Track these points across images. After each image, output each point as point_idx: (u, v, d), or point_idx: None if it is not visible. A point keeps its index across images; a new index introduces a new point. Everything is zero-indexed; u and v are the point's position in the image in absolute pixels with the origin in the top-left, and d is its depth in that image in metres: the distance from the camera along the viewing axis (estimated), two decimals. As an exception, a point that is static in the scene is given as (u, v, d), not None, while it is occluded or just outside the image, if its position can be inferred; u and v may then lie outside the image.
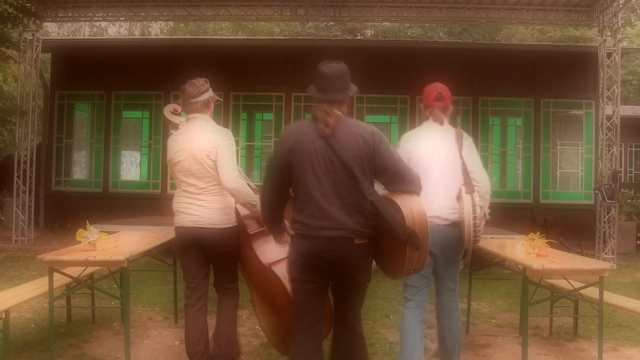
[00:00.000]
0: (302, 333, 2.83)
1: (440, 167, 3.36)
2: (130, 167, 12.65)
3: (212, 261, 3.54)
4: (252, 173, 11.91)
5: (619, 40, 10.16)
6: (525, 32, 23.05)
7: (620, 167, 11.81)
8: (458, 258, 3.50)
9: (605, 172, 9.84)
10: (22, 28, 10.33)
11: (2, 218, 11.28)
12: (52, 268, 3.57)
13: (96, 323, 4.86)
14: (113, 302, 5.11)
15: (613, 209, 9.71)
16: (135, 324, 4.81)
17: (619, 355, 4.31)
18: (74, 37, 24.93)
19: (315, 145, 2.70)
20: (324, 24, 21.71)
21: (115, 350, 4.12)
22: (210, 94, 3.53)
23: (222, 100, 10.80)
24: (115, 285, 4.55)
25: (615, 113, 9.87)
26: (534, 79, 11.73)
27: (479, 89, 11.58)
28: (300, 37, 19.94)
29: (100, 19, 11.86)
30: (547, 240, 3.87)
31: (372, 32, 25.47)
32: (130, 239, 4.52)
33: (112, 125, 11.98)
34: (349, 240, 2.68)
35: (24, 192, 10.24)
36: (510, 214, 10.40)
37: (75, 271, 3.93)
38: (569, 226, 10.92)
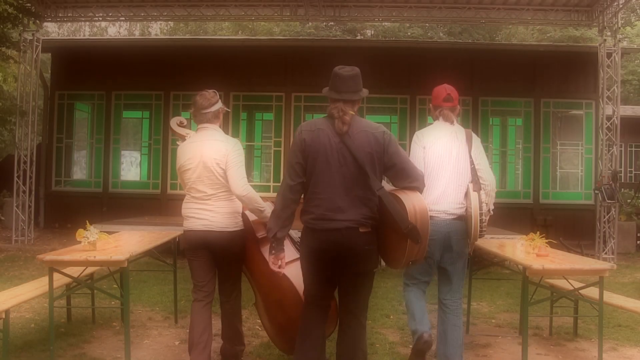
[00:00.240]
0: (310, 310, 3.11)
1: (452, 165, 3.55)
2: (130, 167, 12.65)
3: (218, 263, 3.66)
4: (252, 173, 11.91)
5: (619, 40, 10.16)
6: (525, 32, 23.05)
7: (620, 167, 11.81)
8: (464, 252, 3.60)
9: (605, 172, 9.84)
10: (22, 28, 10.33)
11: (2, 218, 11.28)
12: (52, 268, 3.57)
13: (96, 323, 4.86)
14: (113, 302, 5.12)
15: (613, 209, 9.71)
16: (135, 324, 4.80)
17: (619, 355, 4.31)
18: (74, 37, 24.94)
19: (330, 141, 2.94)
20: (324, 24, 21.70)
21: (115, 350, 4.12)
22: (219, 105, 3.71)
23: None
24: (115, 285, 4.55)
25: (615, 113, 9.87)
26: (534, 79, 11.73)
27: (479, 89, 11.58)
28: (300, 37, 19.94)
29: (100, 19, 11.85)
30: (547, 240, 3.87)
31: (372, 32, 25.47)
32: (130, 239, 4.52)
33: (112, 125, 11.99)
34: (354, 229, 2.92)
35: (24, 192, 10.24)
36: (510, 214, 10.40)
37: (75, 271, 3.93)
38: (569, 226, 10.93)
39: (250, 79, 11.60)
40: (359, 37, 24.28)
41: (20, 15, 9.97)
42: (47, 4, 10.65)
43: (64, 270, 3.77)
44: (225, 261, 3.63)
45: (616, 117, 9.86)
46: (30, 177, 10.33)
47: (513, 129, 12.21)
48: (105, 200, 11.74)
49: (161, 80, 11.61)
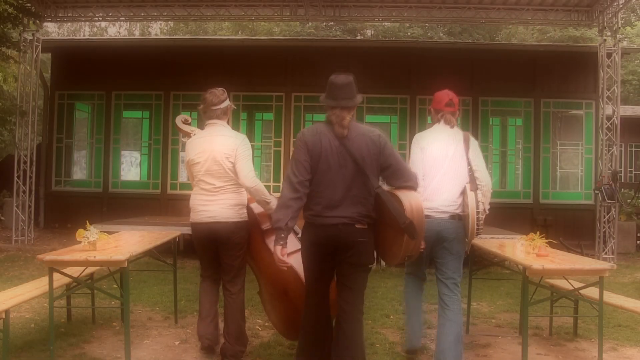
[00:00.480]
0: (312, 296, 3.29)
1: (448, 165, 3.71)
2: (130, 167, 12.65)
3: (222, 253, 3.81)
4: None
5: (619, 40, 10.15)
6: (525, 32, 23.05)
7: (620, 167, 11.81)
8: (460, 249, 3.71)
9: (605, 172, 9.84)
10: (22, 28, 10.33)
11: (2, 218, 11.28)
12: (52, 268, 3.57)
13: (96, 323, 4.86)
14: (113, 302, 5.12)
15: (613, 209, 9.71)
16: (135, 324, 4.80)
17: (619, 355, 4.31)
18: (74, 37, 24.94)
19: (331, 144, 3.15)
20: (324, 24, 21.70)
21: (115, 350, 4.12)
22: (228, 102, 3.90)
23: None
24: (115, 285, 4.55)
25: (615, 113, 9.87)
26: (534, 79, 11.73)
27: (479, 89, 11.57)
28: (300, 37, 19.93)
29: (100, 19, 11.85)
30: (547, 240, 3.87)
31: (372, 32, 25.47)
32: (130, 239, 4.53)
33: (112, 125, 11.98)
34: (350, 225, 3.13)
35: (24, 192, 10.24)
36: (510, 214, 10.41)
37: (75, 271, 3.93)
38: (569, 226, 10.93)
39: (250, 79, 11.60)
40: (359, 37, 24.28)
41: (20, 15, 9.98)
42: (47, 4, 10.65)
43: (64, 270, 3.78)
44: (228, 251, 3.78)
45: (616, 117, 9.86)
46: (30, 177, 10.33)
47: (513, 129, 12.20)
48: (105, 200, 11.74)
49: (161, 80, 11.60)
